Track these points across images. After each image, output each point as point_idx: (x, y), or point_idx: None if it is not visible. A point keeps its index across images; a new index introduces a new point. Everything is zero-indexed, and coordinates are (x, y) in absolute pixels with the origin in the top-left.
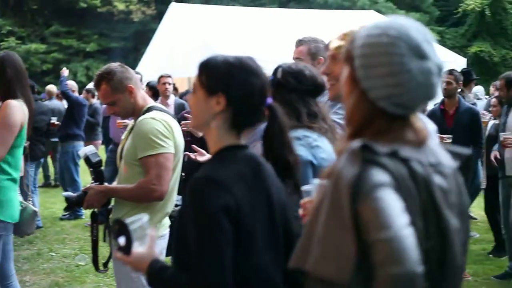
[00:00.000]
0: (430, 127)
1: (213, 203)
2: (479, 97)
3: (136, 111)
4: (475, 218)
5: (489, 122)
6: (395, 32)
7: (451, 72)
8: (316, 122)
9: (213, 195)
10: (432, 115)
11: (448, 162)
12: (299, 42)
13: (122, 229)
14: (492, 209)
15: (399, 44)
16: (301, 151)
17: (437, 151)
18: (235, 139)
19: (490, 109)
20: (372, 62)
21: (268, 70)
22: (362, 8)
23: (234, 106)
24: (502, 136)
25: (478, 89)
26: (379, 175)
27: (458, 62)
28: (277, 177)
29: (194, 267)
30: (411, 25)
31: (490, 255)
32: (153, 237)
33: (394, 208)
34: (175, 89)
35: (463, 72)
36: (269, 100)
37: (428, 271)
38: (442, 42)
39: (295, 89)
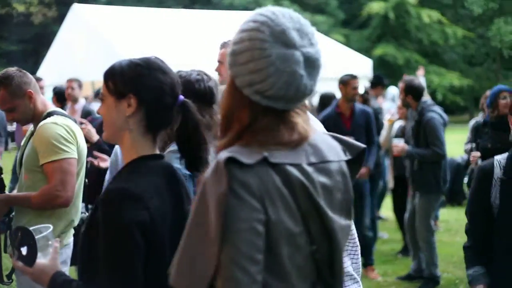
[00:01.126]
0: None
1: (128, 217)
2: (394, 100)
3: (36, 117)
4: (383, 218)
5: (396, 122)
6: (262, 18)
7: (355, 77)
8: None
9: (128, 209)
10: (328, 119)
11: (335, 157)
12: (223, 45)
13: (25, 237)
14: (400, 209)
15: (262, 30)
16: (177, 164)
17: (321, 147)
18: (151, 146)
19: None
20: (238, 48)
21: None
22: None
23: (146, 106)
24: (392, 142)
25: (395, 92)
26: (241, 195)
27: (364, 64)
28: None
29: (104, 281)
30: (283, 13)
31: (399, 255)
32: (56, 248)
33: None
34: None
35: (375, 76)
36: (181, 98)
37: (320, 278)
38: (348, 44)
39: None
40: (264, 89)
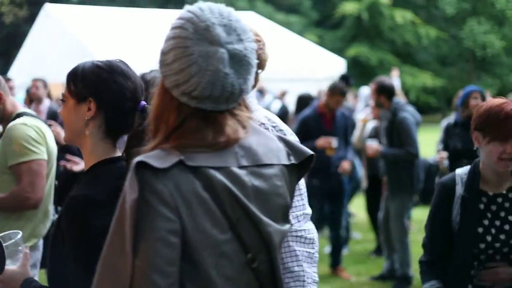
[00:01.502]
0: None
1: (93, 224)
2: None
3: (5, 118)
4: (352, 214)
5: (369, 123)
6: (188, 15)
7: (344, 94)
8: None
9: (92, 216)
10: (309, 119)
11: (273, 161)
12: None
13: None
14: (373, 209)
15: (186, 27)
16: None
17: (257, 150)
18: (110, 149)
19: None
20: (164, 48)
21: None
22: (242, 10)
23: (106, 110)
24: (366, 143)
25: (367, 92)
26: (152, 203)
27: (338, 65)
28: None
29: (74, 286)
30: (211, 8)
31: (372, 255)
32: (26, 254)
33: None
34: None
35: (342, 77)
36: (143, 103)
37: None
38: (322, 44)
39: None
40: (189, 89)
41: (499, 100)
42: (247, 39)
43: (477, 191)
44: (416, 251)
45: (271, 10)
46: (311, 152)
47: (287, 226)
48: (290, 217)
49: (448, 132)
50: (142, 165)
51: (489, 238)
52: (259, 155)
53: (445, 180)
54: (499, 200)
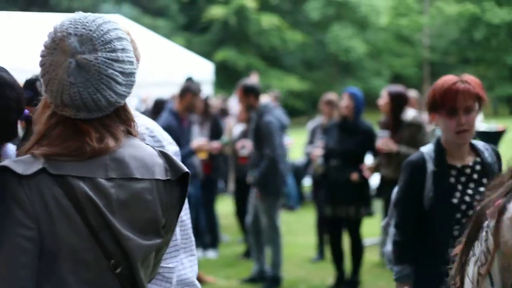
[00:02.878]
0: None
1: None
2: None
3: None
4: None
5: (238, 126)
6: (54, 25)
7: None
8: None
9: None
10: (170, 126)
11: (145, 175)
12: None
13: None
14: (241, 212)
15: (48, 37)
16: None
17: (128, 163)
18: None
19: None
20: (40, 56)
21: (17, 79)
22: (108, 13)
23: None
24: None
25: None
26: (11, 208)
27: (206, 69)
28: None
29: None
30: (74, 19)
31: (242, 258)
32: None
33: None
34: None
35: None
36: (26, 112)
37: None
38: (190, 48)
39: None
40: (49, 97)
41: (447, 78)
42: (105, 49)
43: (446, 164)
44: (285, 252)
45: (138, 13)
46: (186, 170)
47: (157, 241)
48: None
49: (326, 133)
50: (5, 169)
51: (463, 207)
52: (130, 168)
53: (414, 159)
54: (468, 171)
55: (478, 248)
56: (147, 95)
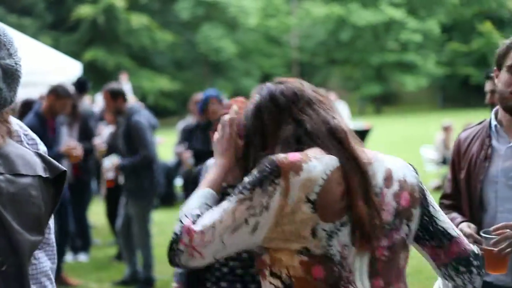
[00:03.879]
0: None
1: None
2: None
3: None
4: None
5: (106, 128)
6: None
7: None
8: None
9: None
10: (34, 125)
11: (29, 172)
12: None
13: None
14: (112, 215)
15: None
16: None
17: (14, 160)
18: None
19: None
20: None
21: None
22: None
23: None
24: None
25: (97, 97)
26: None
27: (74, 68)
28: None
29: None
30: None
31: (114, 261)
32: None
33: None
34: None
35: (79, 80)
36: None
37: None
38: (57, 48)
39: None
40: None
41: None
42: (15, 53)
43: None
44: (159, 253)
45: (3, 12)
46: (64, 169)
47: (38, 238)
48: None
49: (189, 134)
50: None
51: None
52: (16, 165)
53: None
54: None
55: None
56: None
